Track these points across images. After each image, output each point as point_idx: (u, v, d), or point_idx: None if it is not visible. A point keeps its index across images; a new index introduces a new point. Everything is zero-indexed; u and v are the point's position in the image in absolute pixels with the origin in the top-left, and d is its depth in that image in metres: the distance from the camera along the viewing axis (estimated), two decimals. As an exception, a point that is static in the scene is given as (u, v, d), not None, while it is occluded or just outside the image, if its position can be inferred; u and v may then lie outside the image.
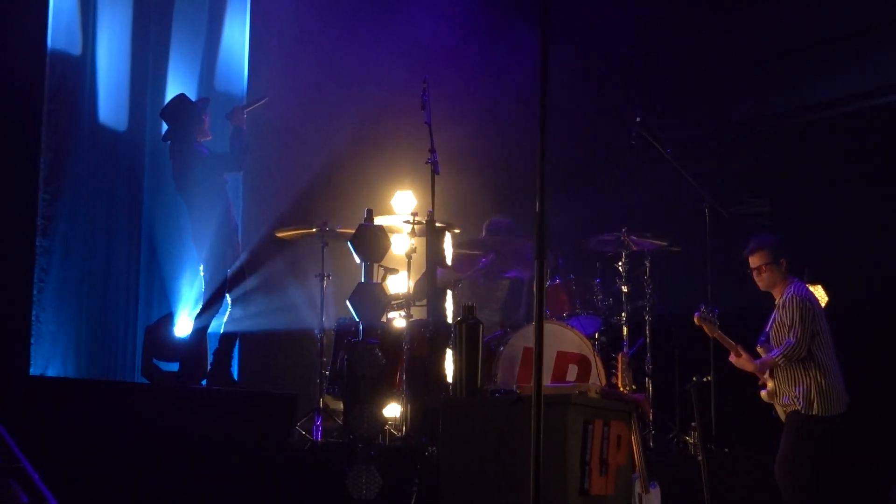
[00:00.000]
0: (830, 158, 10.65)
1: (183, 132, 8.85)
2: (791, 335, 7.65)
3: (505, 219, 10.22)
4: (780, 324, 7.78)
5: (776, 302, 7.93)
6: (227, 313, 9.03)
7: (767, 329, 7.94)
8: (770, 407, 7.99)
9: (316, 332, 9.77)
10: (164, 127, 9.26)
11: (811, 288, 8.01)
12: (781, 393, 7.75)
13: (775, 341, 7.81)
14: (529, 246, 8.77)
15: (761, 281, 8.01)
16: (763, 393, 7.93)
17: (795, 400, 7.66)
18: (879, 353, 9.72)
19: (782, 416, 7.83)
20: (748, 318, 8.35)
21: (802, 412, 7.64)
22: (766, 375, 7.87)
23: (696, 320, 8.01)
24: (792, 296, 7.76)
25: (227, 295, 8.98)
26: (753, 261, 8.02)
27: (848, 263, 10.01)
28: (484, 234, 10.10)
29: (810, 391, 7.62)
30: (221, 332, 8.98)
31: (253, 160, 11.13)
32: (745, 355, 7.87)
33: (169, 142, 8.97)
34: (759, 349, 7.92)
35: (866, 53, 10.57)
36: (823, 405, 7.61)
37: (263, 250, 10.76)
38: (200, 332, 8.81)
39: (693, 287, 9.97)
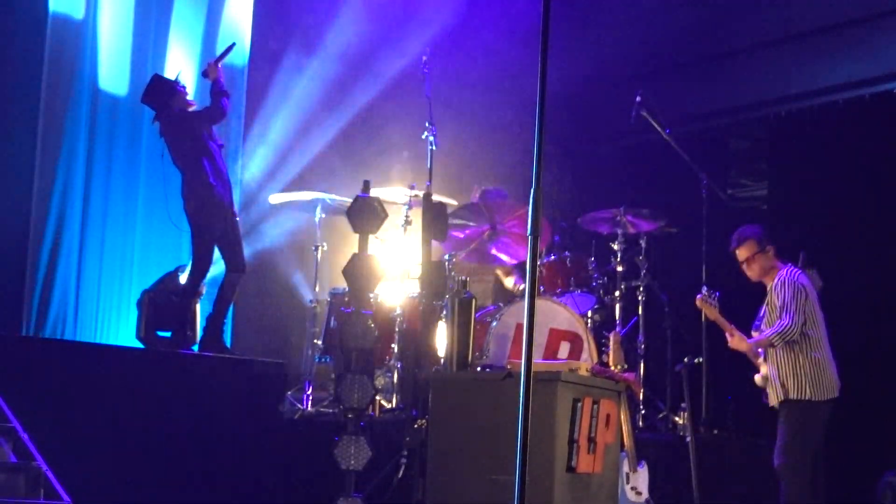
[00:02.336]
0: (827, 144, 10.63)
1: (167, 110, 8.85)
2: (784, 316, 7.66)
3: (502, 190, 10.20)
4: (773, 306, 7.79)
5: (768, 288, 7.93)
6: (222, 278, 9.01)
7: (762, 314, 7.95)
8: (760, 391, 8.00)
9: (309, 301, 9.80)
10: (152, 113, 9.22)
11: (806, 273, 8.02)
12: (774, 377, 7.75)
13: (769, 323, 7.81)
14: (525, 222, 8.80)
15: (752, 272, 8.01)
16: (757, 377, 7.94)
17: (790, 386, 7.66)
18: (874, 338, 9.73)
19: (773, 403, 7.84)
20: (743, 300, 8.34)
21: (795, 398, 7.64)
22: (760, 360, 7.88)
23: (697, 303, 8.01)
24: (784, 279, 7.76)
25: (222, 258, 8.96)
26: (741, 253, 8.01)
27: (843, 248, 10.02)
28: (477, 198, 10.04)
29: (804, 376, 7.63)
30: (215, 297, 8.98)
31: (252, 127, 11.17)
32: (738, 335, 7.87)
33: (157, 123, 8.96)
34: (753, 334, 7.92)
35: (866, 41, 10.55)
36: (816, 390, 7.62)
37: (258, 216, 10.80)
38: (187, 295, 8.79)
39: (688, 268, 9.98)
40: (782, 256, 8.00)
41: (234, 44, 9.59)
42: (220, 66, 9.09)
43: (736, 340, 7.89)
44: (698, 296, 8.00)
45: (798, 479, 7.56)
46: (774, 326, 7.69)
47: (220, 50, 10.71)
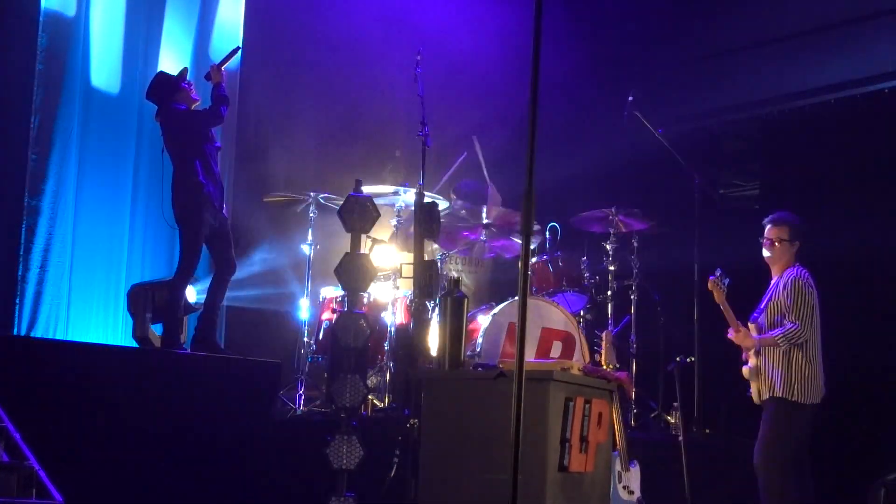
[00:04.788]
0: (820, 144, 10.64)
1: (170, 106, 8.84)
2: (795, 317, 7.64)
3: (471, 181, 10.25)
4: (779, 302, 7.75)
5: (775, 280, 7.91)
6: (211, 278, 9.00)
7: (762, 306, 7.93)
8: (749, 388, 7.99)
9: (301, 300, 9.79)
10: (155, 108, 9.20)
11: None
12: (764, 373, 7.75)
13: (769, 318, 7.80)
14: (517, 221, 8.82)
15: (772, 253, 7.96)
16: (745, 369, 7.92)
17: (777, 383, 7.66)
18: (866, 341, 9.72)
19: (756, 398, 7.83)
20: (737, 297, 8.32)
21: (782, 397, 7.65)
22: (752, 353, 7.85)
23: (709, 285, 7.97)
24: (797, 278, 7.74)
25: (211, 258, 8.94)
26: (772, 232, 7.97)
27: (835, 249, 10.02)
28: (454, 200, 10.09)
29: (794, 377, 7.62)
30: (205, 297, 8.96)
31: (245, 126, 11.16)
32: (745, 332, 7.85)
33: (159, 120, 8.95)
34: (750, 325, 7.91)
35: (858, 41, 10.56)
36: (804, 392, 7.62)
37: (251, 216, 10.78)
38: (174, 294, 8.77)
39: (680, 268, 9.98)
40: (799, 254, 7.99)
41: (238, 48, 9.60)
42: (223, 69, 9.08)
43: (741, 336, 7.86)
44: (711, 277, 7.96)
45: (775, 477, 7.57)
46: (783, 328, 7.66)
47: (214, 49, 10.74)
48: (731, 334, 7.95)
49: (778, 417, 7.66)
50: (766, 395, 7.73)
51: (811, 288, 7.73)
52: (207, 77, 9.06)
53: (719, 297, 7.90)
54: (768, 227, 8.02)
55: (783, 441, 7.63)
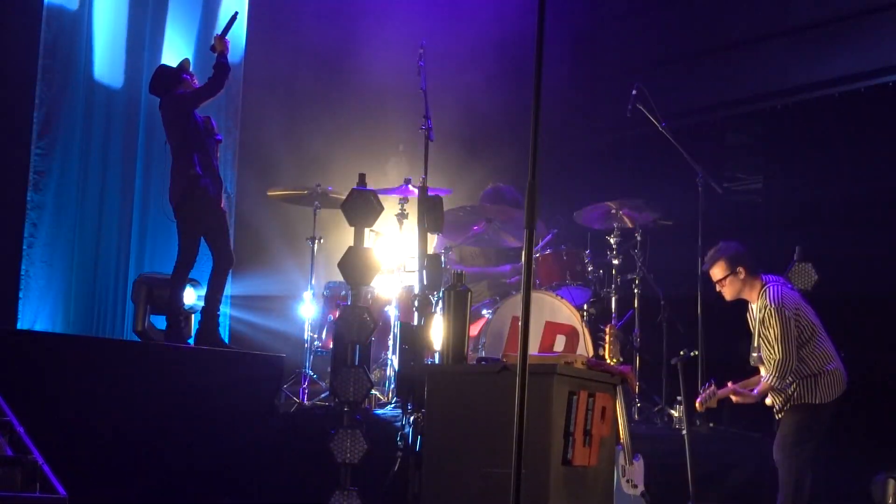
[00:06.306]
0: (823, 137, 10.64)
1: (172, 97, 8.82)
2: (777, 351, 7.53)
3: (505, 185, 10.24)
4: (765, 338, 7.62)
5: (750, 307, 7.80)
6: (211, 272, 8.99)
7: (756, 345, 7.79)
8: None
9: (305, 294, 9.79)
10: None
11: (799, 267, 7.99)
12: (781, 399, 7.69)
13: (765, 353, 7.65)
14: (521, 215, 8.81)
15: (725, 293, 7.82)
16: (767, 400, 7.82)
17: (796, 394, 7.57)
18: (869, 334, 9.71)
19: (772, 406, 7.77)
20: (740, 303, 8.31)
21: (803, 403, 7.54)
22: (755, 395, 7.75)
23: (697, 406, 7.94)
24: (766, 307, 7.57)
25: (210, 251, 8.92)
26: (713, 274, 7.82)
27: (839, 242, 10.01)
28: (479, 202, 10.12)
29: (808, 389, 7.53)
30: (205, 292, 8.96)
31: (249, 120, 11.15)
32: (743, 392, 7.76)
33: (162, 111, 8.93)
34: (753, 355, 7.80)
35: (861, 35, 10.55)
36: (822, 395, 7.51)
37: (254, 209, 10.78)
38: (173, 287, 8.77)
39: (684, 262, 9.98)
40: (757, 271, 7.76)
41: (236, 13, 9.52)
42: (226, 38, 9.03)
43: (742, 399, 7.79)
44: (698, 399, 7.92)
45: (797, 472, 7.52)
46: (771, 370, 7.54)
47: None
48: (735, 400, 7.88)
49: (799, 420, 7.57)
50: (788, 405, 7.62)
51: (786, 308, 7.48)
52: (213, 48, 9.00)
53: (716, 402, 7.85)
54: (709, 273, 7.89)
55: (806, 439, 7.56)
